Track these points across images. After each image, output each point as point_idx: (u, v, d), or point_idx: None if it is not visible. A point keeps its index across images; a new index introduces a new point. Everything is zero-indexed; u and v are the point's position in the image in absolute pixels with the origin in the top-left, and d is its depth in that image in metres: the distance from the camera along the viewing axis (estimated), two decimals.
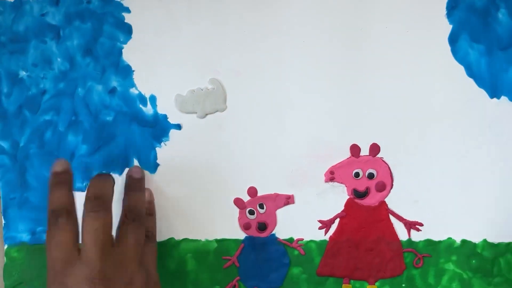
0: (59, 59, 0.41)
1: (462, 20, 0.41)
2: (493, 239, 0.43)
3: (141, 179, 0.40)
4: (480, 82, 0.41)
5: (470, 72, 0.41)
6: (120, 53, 0.41)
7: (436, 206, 0.42)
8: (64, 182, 0.37)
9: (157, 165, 0.42)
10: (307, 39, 0.41)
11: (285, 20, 0.41)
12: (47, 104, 0.41)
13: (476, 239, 0.43)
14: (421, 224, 0.43)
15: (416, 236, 0.43)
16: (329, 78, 0.41)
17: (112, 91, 0.42)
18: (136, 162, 0.42)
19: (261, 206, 0.42)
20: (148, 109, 0.42)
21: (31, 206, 0.42)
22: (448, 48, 0.41)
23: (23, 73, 0.41)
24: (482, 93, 0.41)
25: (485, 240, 0.43)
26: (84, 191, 0.41)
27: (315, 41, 0.41)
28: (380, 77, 0.41)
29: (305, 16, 0.41)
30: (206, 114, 0.42)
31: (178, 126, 0.42)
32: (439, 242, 0.43)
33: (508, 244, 0.43)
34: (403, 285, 0.43)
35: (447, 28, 0.41)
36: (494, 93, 0.41)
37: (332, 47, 0.41)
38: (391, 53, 0.41)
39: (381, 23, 0.41)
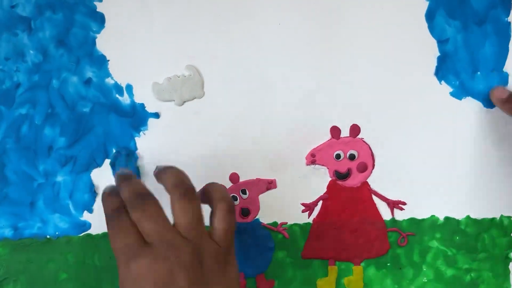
0: (31, 51, 0.41)
1: None
2: (476, 215, 0.43)
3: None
4: (457, 58, 0.41)
5: (447, 49, 0.41)
6: (94, 43, 0.41)
7: (418, 185, 0.43)
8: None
9: (137, 154, 0.42)
10: (282, 21, 0.41)
11: (259, 2, 0.40)
12: (22, 98, 0.41)
13: (459, 215, 0.43)
14: (404, 203, 0.43)
15: (400, 215, 0.43)
16: (305, 59, 0.41)
17: (88, 81, 0.41)
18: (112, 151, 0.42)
19: (244, 192, 0.42)
20: (125, 99, 0.41)
21: (11, 201, 0.42)
22: (425, 25, 0.41)
23: None
24: (460, 68, 0.41)
25: (468, 217, 0.43)
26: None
27: (291, 23, 0.41)
28: (357, 57, 0.41)
29: None
30: (184, 102, 0.41)
31: (156, 115, 0.41)
32: (423, 220, 0.43)
33: (492, 219, 0.43)
34: (388, 264, 0.43)
35: (424, 4, 0.41)
36: (471, 69, 0.41)
37: (307, 29, 0.41)
38: (367, 32, 0.41)
39: (357, 1, 0.40)
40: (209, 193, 0.35)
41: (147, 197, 0.33)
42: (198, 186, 0.42)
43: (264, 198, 0.43)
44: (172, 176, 0.34)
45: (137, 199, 0.32)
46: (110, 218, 0.33)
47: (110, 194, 0.34)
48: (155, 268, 0.30)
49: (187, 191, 0.33)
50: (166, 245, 0.31)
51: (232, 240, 0.34)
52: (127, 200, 0.33)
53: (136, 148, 0.42)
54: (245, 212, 0.42)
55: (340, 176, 0.42)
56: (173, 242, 0.31)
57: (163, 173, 0.35)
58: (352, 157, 0.42)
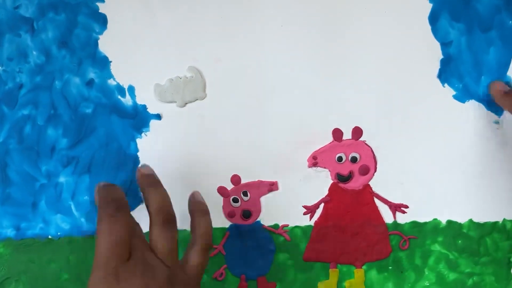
0: (34, 52, 0.41)
1: None
2: (479, 218, 0.43)
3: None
4: (460, 61, 0.41)
5: (451, 52, 0.41)
6: (96, 44, 0.41)
7: (420, 188, 0.42)
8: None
9: (138, 156, 0.42)
10: (286, 23, 0.41)
11: (262, 4, 0.40)
12: (24, 98, 0.41)
13: (461, 219, 0.43)
14: (406, 206, 0.43)
15: (402, 218, 0.43)
16: (308, 61, 0.41)
17: (90, 83, 0.41)
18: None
19: (245, 194, 0.42)
20: (127, 100, 0.41)
21: (13, 201, 0.42)
22: (429, 27, 0.41)
23: None
24: (464, 71, 0.41)
25: (470, 220, 0.43)
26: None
27: (294, 25, 0.41)
28: (360, 59, 0.41)
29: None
30: (186, 103, 0.41)
31: (158, 116, 0.41)
32: (425, 223, 0.43)
33: (494, 223, 0.43)
34: (390, 267, 0.43)
35: (427, 7, 0.40)
36: (475, 71, 0.41)
37: (310, 31, 0.41)
38: (370, 34, 0.41)
39: (360, 4, 0.40)
40: (193, 222, 0.36)
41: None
42: (199, 188, 0.42)
43: (266, 200, 0.42)
44: (157, 200, 0.34)
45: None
46: (114, 209, 0.33)
47: (115, 186, 0.35)
48: (132, 281, 0.32)
49: (169, 220, 0.34)
50: (144, 263, 0.33)
51: (201, 274, 0.35)
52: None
53: (137, 150, 0.42)
54: (246, 214, 0.42)
55: (342, 178, 0.42)
56: (153, 264, 0.33)
57: (148, 192, 0.35)
58: (354, 160, 0.42)
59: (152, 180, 0.36)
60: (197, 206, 0.37)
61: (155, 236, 0.34)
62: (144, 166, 0.38)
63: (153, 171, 0.37)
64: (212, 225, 0.37)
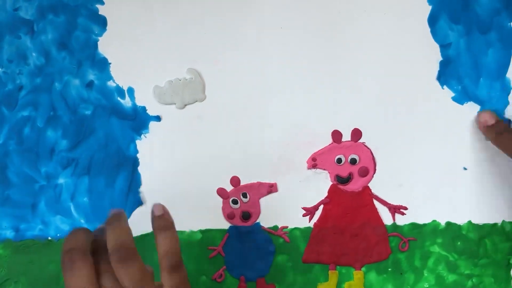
0: (34, 54, 0.41)
1: (441, 0, 0.40)
2: (478, 220, 0.43)
3: (164, 215, 0.36)
4: (459, 63, 0.41)
5: (450, 54, 0.41)
6: (96, 46, 0.41)
7: (420, 189, 0.42)
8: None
9: (138, 158, 0.42)
10: (285, 25, 0.41)
11: (261, 6, 0.40)
12: (24, 100, 0.41)
13: (460, 220, 0.43)
14: (406, 208, 0.43)
15: (401, 220, 0.43)
16: (308, 64, 0.41)
17: (90, 84, 0.41)
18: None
19: (245, 195, 0.42)
20: (126, 102, 0.41)
21: (13, 203, 0.42)
22: (428, 29, 0.41)
23: None
24: (462, 73, 0.41)
25: (469, 222, 0.43)
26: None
27: (293, 27, 0.41)
28: (359, 61, 0.41)
29: (282, 1, 0.40)
30: (185, 105, 0.41)
31: (158, 118, 0.41)
32: (424, 225, 0.43)
33: (494, 225, 0.43)
34: (389, 269, 0.43)
35: (427, 9, 0.40)
36: (473, 73, 0.41)
37: (310, 33, 0.41)
38: (370, 37, 0.41)
39: (359, 6, 0.40)
40: (156, 243, 0.34)
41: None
42: (199, 190, 0.42)
43: (265, 202, 0.42)
44: (112, 238, 0.33)
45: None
46: (72, 256, 0.32)
47: (79, 230, 0.34)
48: None
49: (126, 255, 0.32)
50: None
51: None
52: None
53: (137, 151, 0.42)
54: (246, 216, 0.42)
55: (341, 180, 0.42)
56: None
57: (107, 228, 0.33)
58: (353, 162, 0.42)
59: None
60: (156, 223, 0.35)
61: (118, 275, 0.32)
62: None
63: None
64: (176, 238, 0.34)
